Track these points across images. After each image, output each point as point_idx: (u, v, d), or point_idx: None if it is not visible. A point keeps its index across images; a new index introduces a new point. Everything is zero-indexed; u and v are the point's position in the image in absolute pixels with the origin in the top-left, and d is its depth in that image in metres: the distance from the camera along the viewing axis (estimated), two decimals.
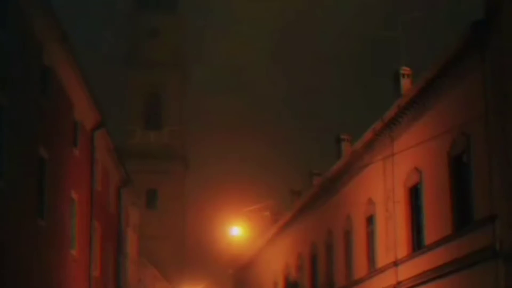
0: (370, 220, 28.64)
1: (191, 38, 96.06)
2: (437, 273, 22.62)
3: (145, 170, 67.17)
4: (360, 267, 29.57)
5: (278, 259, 42.48)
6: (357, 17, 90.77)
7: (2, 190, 19.27)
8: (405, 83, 26.56)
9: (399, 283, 25.33)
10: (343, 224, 31.52)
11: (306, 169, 40.00)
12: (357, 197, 29.95)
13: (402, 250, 25.33)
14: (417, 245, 24.51)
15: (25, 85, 21.68)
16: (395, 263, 25.71)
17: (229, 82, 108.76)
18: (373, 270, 28.02)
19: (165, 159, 70.89)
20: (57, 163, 24.96)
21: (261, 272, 47.39)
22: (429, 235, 23.45)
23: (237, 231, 41.69)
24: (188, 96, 77.84)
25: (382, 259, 27.11)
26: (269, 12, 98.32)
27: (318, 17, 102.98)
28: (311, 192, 35.94)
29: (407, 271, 24.76)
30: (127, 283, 40.92)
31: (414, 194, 24.83)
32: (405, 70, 26.85)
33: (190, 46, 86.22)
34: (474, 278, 20.68)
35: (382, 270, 26.86)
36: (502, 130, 19.48)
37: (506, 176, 19.25)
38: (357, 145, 29.31)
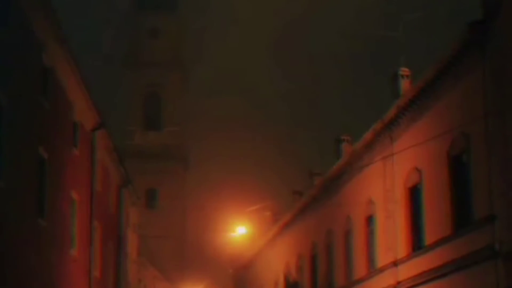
0: (370, 220, 28.66)
1: (191, 39, 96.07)
2: (437, 273, 22.64)
3: (145, 170, 67.28)
4: (360, 267, 29.59)
5: (279, 259, 42.51)
6: (357, 18, 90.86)
7: (2, 190, 19.29)
8: (404, 83, 26.59)
9: (398, 283, 25.36)
10: (343, 224, 31.54)
11: (307, 169, 40.05)
12: (357, 197, 29.97)
13: (402, 250, 25.35)
14: (417, 245, 24.52)
15: (25, 85, 21.71)
16: (395, 263, 25.73)
17: (229, 82, 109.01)
18: (373, 270, 28.04)
19: (165, 159, 70.98)
20: (57, 164, 24.99)
21: (262, 272, 47.41)
22: (429, 235, 23.48)
23: (243, 230, 41.78)
24: (188, 96, 78.05)
25: (382, 259, 27.13)
26: (269, 12, 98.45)
27: (318, 18, 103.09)
28: (312, 192, 35.97)
29: (407, 271, 24.79)
30: (127, 283, 40.93)
31: (414, 194, 24.85)
32: (404, 71, 26.88)
33: (190, 46, 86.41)
34: (474, 278, 20.70)
35: (382, 270, 26.88)
36: (502, 130, 19.51)
37: (505, 176, 19.27)
38: (357, 145, 29.34)
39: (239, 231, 42.05)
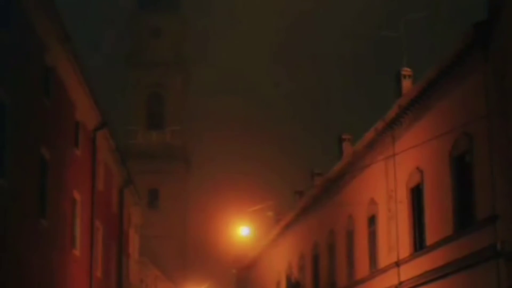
0: (372, 220, 28.65)
1: (193, 38, 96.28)
2: (439, 273, 22.63)
3: (147, 170, 67.32)
4: (362, 267, 29.57)
5: (281, 259, 42.52)
6: (359, 18, 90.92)
7: (4, 190, 19.28)
8: (406, 83, 26.57)
9: (401, 283, 25.34)
10: (345, 224, 31.53)
11: (308, 169, 40.03)
12: (359, 197, 29.95)
13: (404, 250, 25.34)
14: (419, 245, 24.51)
15: (27, 85, 21.70)
16: (397, 263, 25.71)
17: (231, 82, 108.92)
18: (374, 270, 28.02)
19: (167, 159, 70.98)
20: (59, 163, 24.97)
21: (264, 271, 47.45)
22: (431, 235, 23.45)
23: (247, 231, 41.69)
24: (190, 96, 78.03)
25: (384, 259, 27.11)
26: (272, 13, 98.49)
27: (321, 18, 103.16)
28: (313, 192, 35.96)
29: (409, 271, 24.77)
30: (129, 283, 40.93)
31: (416, 194, 24.83)
32: (406, 71, 26.85)
33: (192, 46, 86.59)
34: (476, 278, 20.68)
35: (384, 270, 26.86)
36: (504, 130, 19.47)
37: (508, 176, 19.24)
38: (359, 145, 29.33)
39: (243, 231, 41.91)
